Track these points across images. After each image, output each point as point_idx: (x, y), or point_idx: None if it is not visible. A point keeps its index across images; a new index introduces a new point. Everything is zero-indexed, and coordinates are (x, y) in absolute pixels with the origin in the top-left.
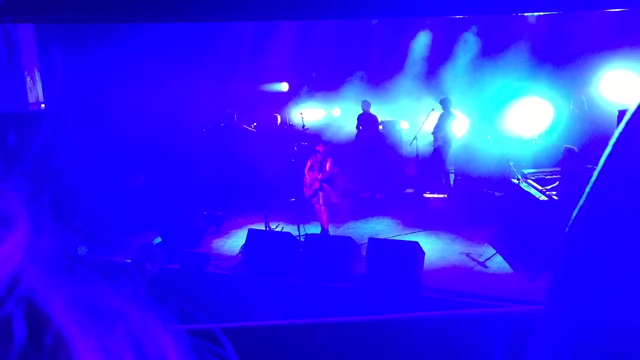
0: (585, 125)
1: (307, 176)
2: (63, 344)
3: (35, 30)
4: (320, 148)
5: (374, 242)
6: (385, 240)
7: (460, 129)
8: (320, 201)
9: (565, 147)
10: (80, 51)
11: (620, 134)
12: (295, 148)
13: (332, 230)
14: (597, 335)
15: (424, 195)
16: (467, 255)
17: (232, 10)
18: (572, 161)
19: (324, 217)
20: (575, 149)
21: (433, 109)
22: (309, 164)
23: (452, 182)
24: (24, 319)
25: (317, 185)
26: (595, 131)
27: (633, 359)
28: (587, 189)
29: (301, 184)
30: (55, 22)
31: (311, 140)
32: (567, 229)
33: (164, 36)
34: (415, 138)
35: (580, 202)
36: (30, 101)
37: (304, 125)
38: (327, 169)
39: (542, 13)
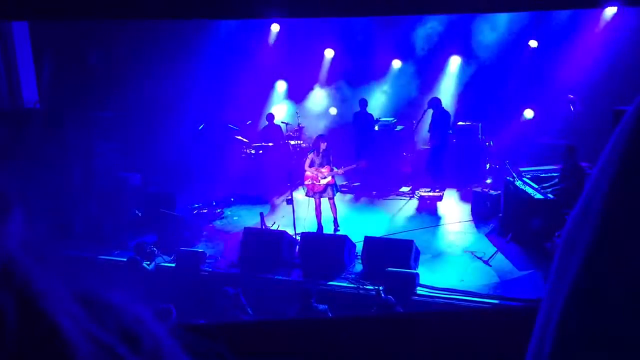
0: (578, 124)
1: (308, 173)
2: (57, 336)
3: (30, 28)
4: (314, 143)
5: (370, 240)
6: (381, 238)
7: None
8: (332, 194)
9: (567, 144)
10: (75, 49)
11: (620, 130)
12: (292, 141)
13: (327, 229)
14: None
15: (420, 193)
16: (464, 252)
17: (232, 7)
18: (573, 159)
19: (335, 209)
20: (575, 146)
21: (429, 107)
22: (308, 160)
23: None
24: (15, 309)
25: (332, 180)
26: (590, 130)
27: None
28: (586, 187)
29: (298, 182)
30: (51, 20)
31: (307, 137)
32: (566, 225)
33: (160, 32)
34: (411, 135)
35: (580, 200)
36: (25, 99)
37: (299, 124)
38: (331, 160)
39: (540, 10)
